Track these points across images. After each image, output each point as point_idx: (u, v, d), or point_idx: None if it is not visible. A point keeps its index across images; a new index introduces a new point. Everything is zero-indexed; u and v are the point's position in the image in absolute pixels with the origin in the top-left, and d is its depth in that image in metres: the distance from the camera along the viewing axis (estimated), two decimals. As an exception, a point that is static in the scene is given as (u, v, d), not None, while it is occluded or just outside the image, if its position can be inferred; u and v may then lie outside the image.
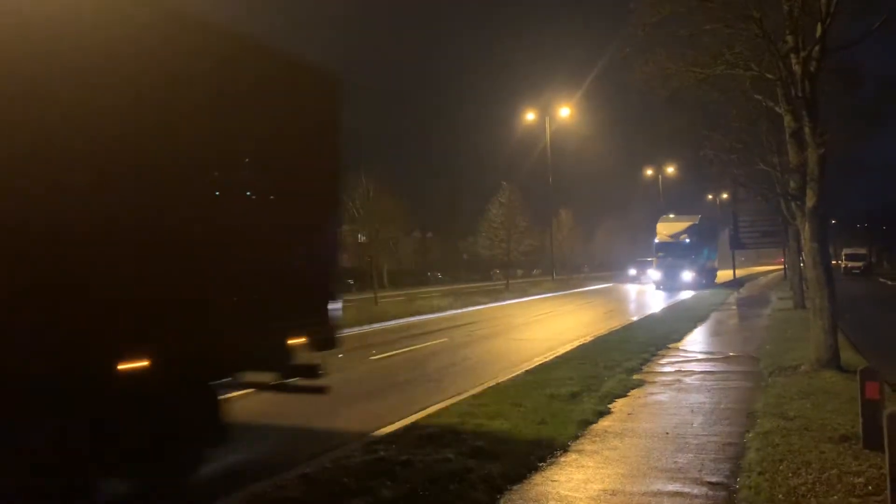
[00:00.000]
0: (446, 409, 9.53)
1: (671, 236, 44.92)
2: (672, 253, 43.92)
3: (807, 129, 11.23)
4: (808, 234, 11.52)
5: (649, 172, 66.66)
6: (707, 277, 47.09)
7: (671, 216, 48.94)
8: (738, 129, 17.51)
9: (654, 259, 46.59)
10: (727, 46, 11.97)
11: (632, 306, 33.46)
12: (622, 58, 13.53)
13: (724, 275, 53.85)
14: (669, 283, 43.37)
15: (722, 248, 54.08)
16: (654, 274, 46.15)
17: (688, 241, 44.41)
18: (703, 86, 13.63)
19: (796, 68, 11.11)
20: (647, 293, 42.22)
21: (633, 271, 60.78)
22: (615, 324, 21.96)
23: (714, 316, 24.16)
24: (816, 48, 10.89)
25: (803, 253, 12.72)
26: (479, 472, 6.58)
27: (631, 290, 47.57)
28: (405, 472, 6.59)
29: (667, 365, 13.52)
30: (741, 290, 41.63)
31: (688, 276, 43.46)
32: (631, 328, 20.51)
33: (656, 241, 45.91)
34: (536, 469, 6.92)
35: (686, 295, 36.37)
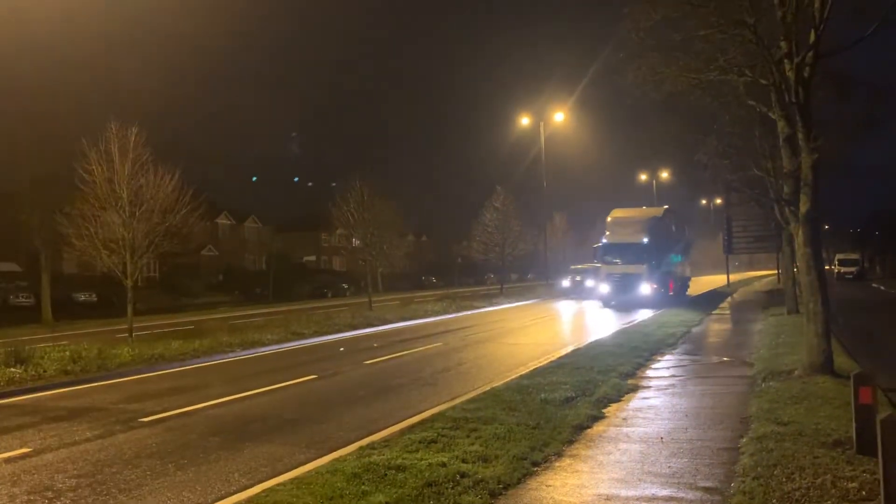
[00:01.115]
0: (441, 413, 9.51)
1: (624, 233, 33.68)
2: (625, 257, 32.93)
3: (800, 135, 11.26)
4: (802, 239, 11.53)
5: (643, 177, 66.76)
6: (677, 288, 36.61)
7: (626, 208, 38.04)
8: (732, 133, 17.54)
9: (600, 265, 34.86)
10: (720, 51, 12.00)
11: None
12: (616, 61, 13.56)
13: (709, 282, 52.46)
14: (621, 298, 32.77)
15: (708, 252, 52.26)
16: (601, 286, 34.49)
17: (646, 240, 32.75)
18: (696, 90, 13.65)
19: (790, 74, 11.14)
20: (587, 313, 31.20)
21: (566, 282, 46.41)
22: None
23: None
24: (810, 54, 10.93)
25: (797, 258, 12.73)
26: (473, 476, 6.57)
27: (563, 309, 34.20)
28: (400, 477, 6.57)
29: (661, 369, 13.53)
30: (734, 296, 39.85)
31: (646, 288, 32.30)
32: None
33: (604, 240, 34.52)
34: (531, 474, 6.91)
35: (644, 315, 26.78)
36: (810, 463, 6.59)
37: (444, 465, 6.90)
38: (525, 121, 47.06)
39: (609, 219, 35.26)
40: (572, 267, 48.82)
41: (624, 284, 32.67)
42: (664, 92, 13.06)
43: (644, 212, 37.16)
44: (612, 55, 14.43)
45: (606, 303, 33.83)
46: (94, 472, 7.58)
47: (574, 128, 49.91)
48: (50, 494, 6.85)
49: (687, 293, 39.81)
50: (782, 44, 11.24)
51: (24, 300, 41.33)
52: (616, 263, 33.28)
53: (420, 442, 7.84)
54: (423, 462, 7.00)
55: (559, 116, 46.92)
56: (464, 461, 7.06)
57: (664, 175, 59.17)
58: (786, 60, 11.19)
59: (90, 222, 19.21)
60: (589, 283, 40.24)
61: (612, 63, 14.24)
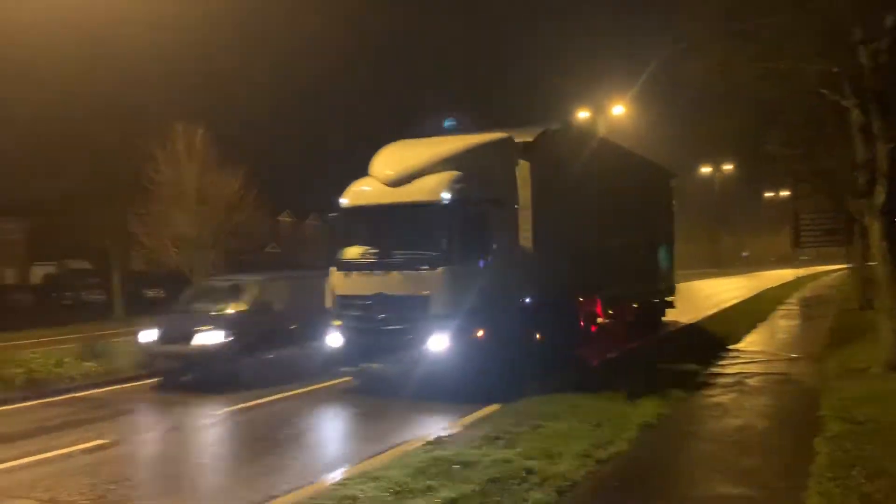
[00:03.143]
0: (500, 409, 9.47)
1: (391, 183, 11.15)
2: (394, 246, 11.07)
3: (876, 124, 10.87)
4: (877, 232, 11.14)
5: (705, 170, 65.15)
6: (619, 316, 16.53)
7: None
8: (800, 123, 16.97)
9: (331, 271, 11.45)
10: (791, 39, 11.63)
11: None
12: (676, 53, 13.29)
13: (776, 276, 50.05)
14: (387, 364, 10.86)
15: (772, 247, 48.82)
16: (330, 336, 11.24)
17: (450, 196, 10.48)
18: (764, 80, 13.25)
19: (864, 60, 10.75)
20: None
21: (148, 335, 12.78)
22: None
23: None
24: (886, 39, 10.52)
25: (871, 252, 12.27)
26: (540, 473, 6.50)
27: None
28: (466, 473, 6.56)
29: (727, 366, 13.22)
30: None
31: (439, 341, 10.33)
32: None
33: (343, 201, 11.42)
34: (595, 472, 6.80)
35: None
36: (891, 464, 6.36)
37: (510, 461, 6.86)
38: (583, 115, 46.44)
39: (376, 161, 11.83)
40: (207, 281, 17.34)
41: (379, 329, 10.98)
42: (731, 82, 12.73)
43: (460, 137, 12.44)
44: (673, 45, 14.14)
45: (345, 363, 11.53)
46: (165, 461, 7.81)
47: (631, 121, 49.02)
48: (128, 483, 7.10)
49: (661, 319, 19.75)
50: (856, 29, 10.85)
51: (96, 296, 42.84)
52: (367, 268, 11.31)
53: (484, 438, 7.82)
54: (488, 458, 6.97)
55: (618, 109, 46.06)
56: (529, 458, 7.00)
57: (727, 167, 57.50)
58: (860, 46, 10.79)
59: (159, 221, 19.79)
60: (202, 339, 12.21)
61: (671, 54, 13.94)
